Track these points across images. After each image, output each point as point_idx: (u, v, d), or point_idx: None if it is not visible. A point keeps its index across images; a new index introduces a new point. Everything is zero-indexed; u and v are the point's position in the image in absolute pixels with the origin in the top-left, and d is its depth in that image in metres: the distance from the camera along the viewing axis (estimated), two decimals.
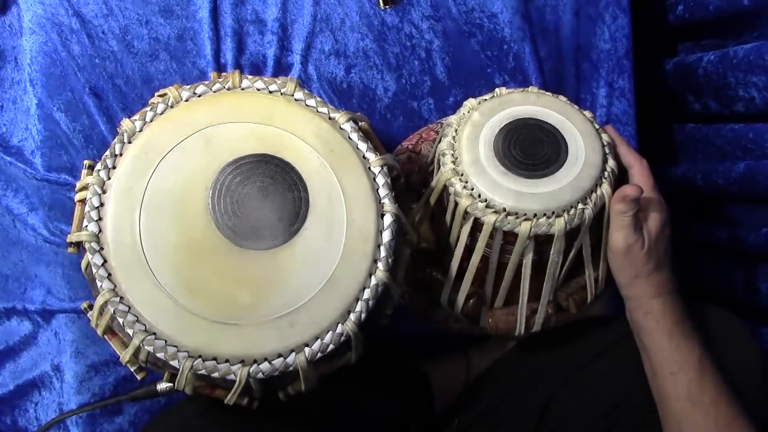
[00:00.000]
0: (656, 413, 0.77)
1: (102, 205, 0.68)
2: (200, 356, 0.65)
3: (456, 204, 0.77)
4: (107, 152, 0.70)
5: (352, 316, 0.69)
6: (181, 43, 1.02)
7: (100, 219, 0.68)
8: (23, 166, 0.98)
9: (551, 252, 0.77)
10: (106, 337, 0.71)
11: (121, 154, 0.70)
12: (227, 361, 0.66)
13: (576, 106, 0.82)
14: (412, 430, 0.99)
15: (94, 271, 0.67)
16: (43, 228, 0.99)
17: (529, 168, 0.75)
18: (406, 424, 0.98)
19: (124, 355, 0.69)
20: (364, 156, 0.74)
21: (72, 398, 0.99)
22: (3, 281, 1.03)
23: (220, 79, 0.76)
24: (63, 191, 0.98)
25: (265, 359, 0.67)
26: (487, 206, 0.75)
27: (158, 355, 0.66)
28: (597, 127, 0.81)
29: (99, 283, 0.66)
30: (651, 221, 0.76)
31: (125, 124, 0.71)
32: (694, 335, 0.75)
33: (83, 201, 0.70)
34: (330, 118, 0.75)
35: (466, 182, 0.76)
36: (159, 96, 0.76)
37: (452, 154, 0.78)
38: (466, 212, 0.76)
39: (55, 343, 1.01)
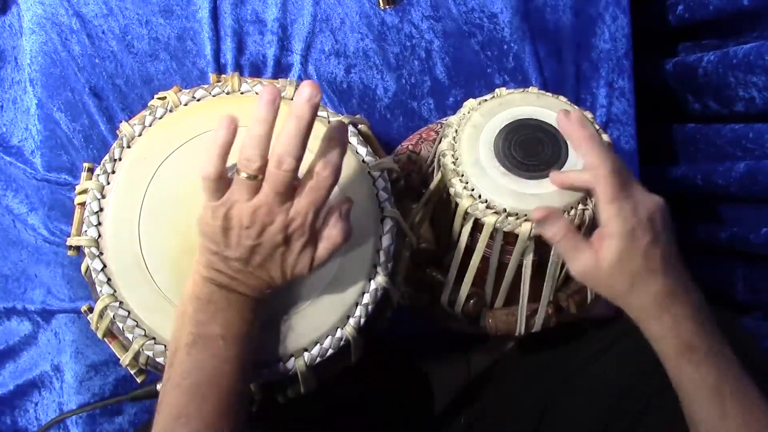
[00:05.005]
0: (653, 412, 0.77)
1: (101, 209, 0.68)
2: None
3: (456, 205, 0.77)
4: (106, 157, 0.70)
5: (352, 321, 0.69)
6: (181, 43, 1.01)
7: (99, 224, 0.68)
8: (23, 166, 0.99)
9: (551, 252, 0.78)
10: (106, 339, 0.71)
11: (120, 159, 0.70)
12: None
13: (576, 107, 0.82)
14: (412, 430, 0.99)
15: (93, 275, 0.67)
16: (43, 228, 1.00)
17: (529, 169, 0.75)
18: (406, 424, 0.98)
19: (124, 359, 0.69)
20: (363, 160, 0.74)
21: (72, 398, 0.99)
22: (3, 281, 1.03)
23: (220, 83, 0.76)
24: (63, 191, 0.98)
25: (265, 364, 0.67)
26: (488, 207, 0.74)
27: (158, 359, 0.66)
28: (597, 128, 0.80)
29: (99, 288, 0.67)
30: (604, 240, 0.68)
31: (125, 128, 0.71)
32: (709, 358, 0.66)
33: (83, 204, 0.70)
34: (329, 122, 0.75)
35: (467, 183, 0.76)
36: (158, 99, 0.75)
37: (452, 155, 0.78)
38: (466, 213, 0.76)
39: (55, 343, 1.01)
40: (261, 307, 0.65)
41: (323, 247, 0.62)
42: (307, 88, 0.56)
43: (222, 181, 0.59)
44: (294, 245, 0.61)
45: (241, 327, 0.63)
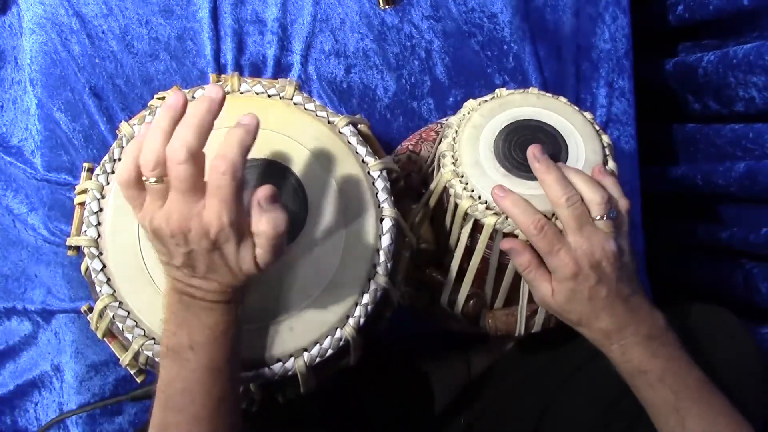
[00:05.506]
0: None
1: (101, 210, 0.68)
2: None
3: (456, 205, 0.77)
4: (106, 157, 0.70)
5: (351, 321, 0.69)
6: (181, 43, 1.01)
7: (99, 224, 0.68)
8: (23, 166, 0.99)
9: None
10: (105, 339, 0.71)
11: (120, 159, 0.70)
12: None
13: (576, 108, 0.82)
14: (412, 430, 0.99)
15: (93, 275, 0.67)
16: (43, 228, 1.00)
17: (529, 170, 0.75)
18: (406, 424, 0.98)
19: (124, 359, 0.69)
20: (363, 160, 0.74)
21: (72, 398, 0.99)
22: (3, 281, 1.03)
23: (219, 82, 0.76)
24: (63, 191, 0.99)
25: (265, 364, 0.67)
26: (488, 208, 0.74)
27: (157, 360, 0.66)
28: (597, 128, 0.80)
29: (98, 288, 0.67)
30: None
31: (124, 128, 0.71)
32: (663, 380, 0.69)
33: (82, 204, 0.70)
34: (329, 122, 0.75)
35: (467, 184, 0.76)
36: (158, 99, 0.75)
37: (452, 156, 0.78)
38: (466, 214, 0.76)
39: (55, 343, 1.01)
40: (230, 310, 0.62)
41: (260, 244, 0.57)
42: (212, 87, 0.55)
43: (139, 192, 0.56)
44: (226, 249, 0.56)
45: (206, 334, 0.60)
